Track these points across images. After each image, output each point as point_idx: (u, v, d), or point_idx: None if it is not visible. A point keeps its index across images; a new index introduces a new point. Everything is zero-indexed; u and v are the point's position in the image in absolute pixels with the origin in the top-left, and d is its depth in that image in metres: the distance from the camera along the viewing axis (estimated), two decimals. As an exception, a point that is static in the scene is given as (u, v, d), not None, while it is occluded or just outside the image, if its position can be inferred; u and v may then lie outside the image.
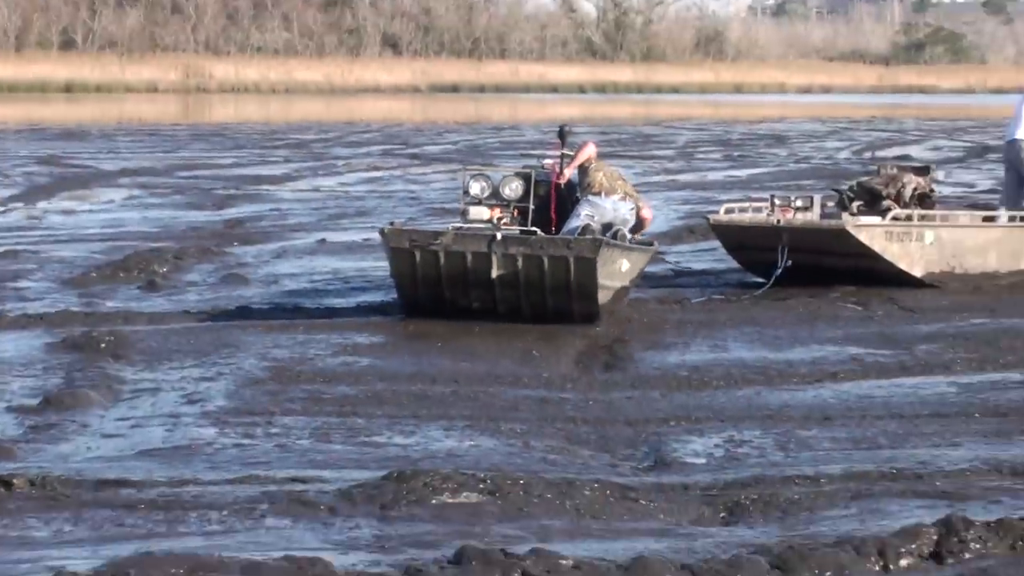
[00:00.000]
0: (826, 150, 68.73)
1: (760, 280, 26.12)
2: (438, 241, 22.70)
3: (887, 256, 26.26)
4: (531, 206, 23.87)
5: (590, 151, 24.50)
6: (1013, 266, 27.32)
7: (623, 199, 24.12)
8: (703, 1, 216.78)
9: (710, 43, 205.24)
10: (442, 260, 22.52)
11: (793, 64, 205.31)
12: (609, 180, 24.31)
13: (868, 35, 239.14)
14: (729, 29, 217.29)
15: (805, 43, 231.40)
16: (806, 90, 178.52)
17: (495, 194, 23.88)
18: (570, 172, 24.25)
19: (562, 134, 24.99)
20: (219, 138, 74.20)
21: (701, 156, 64.92)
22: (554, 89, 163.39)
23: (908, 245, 26.54)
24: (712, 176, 53.42)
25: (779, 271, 25.90)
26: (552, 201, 24.13)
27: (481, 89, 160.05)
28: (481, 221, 23.26)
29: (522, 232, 22.79)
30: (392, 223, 24.59)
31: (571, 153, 24.46)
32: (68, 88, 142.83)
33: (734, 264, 27.28)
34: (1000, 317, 23.50)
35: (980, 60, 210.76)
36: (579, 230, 23.19)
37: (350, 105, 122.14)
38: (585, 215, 23.60)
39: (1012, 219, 27.87)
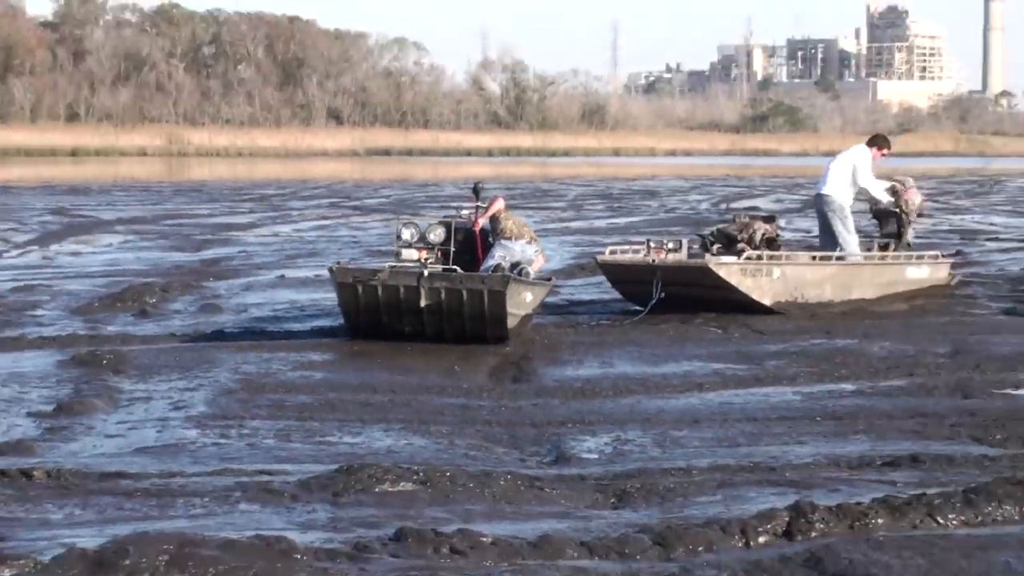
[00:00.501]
0: (689, 202, 68.78)
1: (638, 308, 26.10)
2: (376, 277, 22.68)
3: (742, 288, 26.27)
4: (452, 248, 23.91)
5: (499, 204, 24.50)
6: (844, 296, 27.46)
7: (528, 243, 24.14)
8: (587, 81, 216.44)
9: (593, 115, 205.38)
10: (380, 292, 22.47)
11: (661, 132, 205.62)
12: (517, 227, 24.31)
13: (722, 108, 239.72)
14: (609, 104, 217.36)
15: (671, 115, 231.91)
16: (672, 153, 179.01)
17: (422, 239, 23.92)
18: (483, 221, 24.22)
19: (475, 190, 25.02)
20: (196, 193, 74.14)
21: (588, 207, 64.92)
22: (468, 153, 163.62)
23: (759, 279, 26.55)
24: (597, 223, 53.39)
25: (654, 301, 25.90)
26: (478, 244, 24.14)
27: (408, 153, 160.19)
28: (411, 261, 23.27)
29: (444, 270, 22.79)
30: (338, 263, 24.57)
31: (483, 205, 24.46)
32: (74, 152, 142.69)
33: (617, 295, 27.23)
34: (835, 338, 23.49)
35: (813, 129, 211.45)
36: (492, 268, 23.20)
37: (302, 166, 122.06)
38: (499, 256, 23.61)
39: (839, 259, 27.97)
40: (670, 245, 27.75)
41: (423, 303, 22.29)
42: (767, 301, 26.44)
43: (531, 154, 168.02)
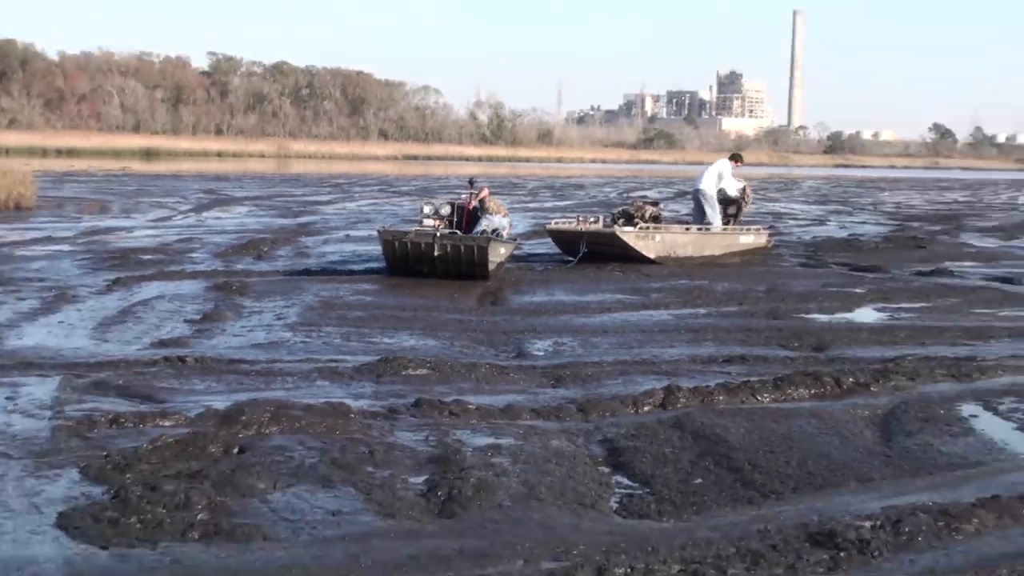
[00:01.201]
0: (604, 192, 68.34)
1: (571, 259, 25.77)
2: (407, 236, 22.40)
3: (636, 247, 26.00)
4: (454, 219, 23.61)
5: (485, 191, 24.25)
6: (701, 253, 27.15)
7: (503, 217, 23.89)
8: (541, 114, 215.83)
9: (545, 136, 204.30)
10: (409, 247, 22.17)
11: (587, 148, 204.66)
12: (496, 206, 24.08)
13: (625, 133, 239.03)
14: (555, 129, 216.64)
15: (593, 137, 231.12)
16: (593, 161, 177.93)
17: (436, 212, 23.66)
18: (475, 202, 23.93)
19: (471, 181, 24.79)
20: (295, 181, 73.55)
21: (540, 195, 64.53)
22: (465, 159, 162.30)
23: (647, 242, 26.27)
24: (546, 204, 52.96)
25: (580, 255, 25.61)
26: (465, 218, 23.84)
27: (428, 158, 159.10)
28: (429, 227, 22.95)
29: (450, 233, 22.48)
30: (383, 227, 24.42)
31: (475, 192, 24.18)
32: (219, 154, 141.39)
33: (558, 251, 26.84)
34: (694, 280, 23.12)
35: (682, 148, 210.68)
36: (479, 232, 22.95)
37: (362, 166, 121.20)
38: (484, 224, 23.35)
39: (699, 229, 27.74)
40: (591, 219, 27.53)
41: (436, 253, 22.03)
42: (652, 255, 26.15)
43: (505, 160, 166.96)
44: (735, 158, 30.18)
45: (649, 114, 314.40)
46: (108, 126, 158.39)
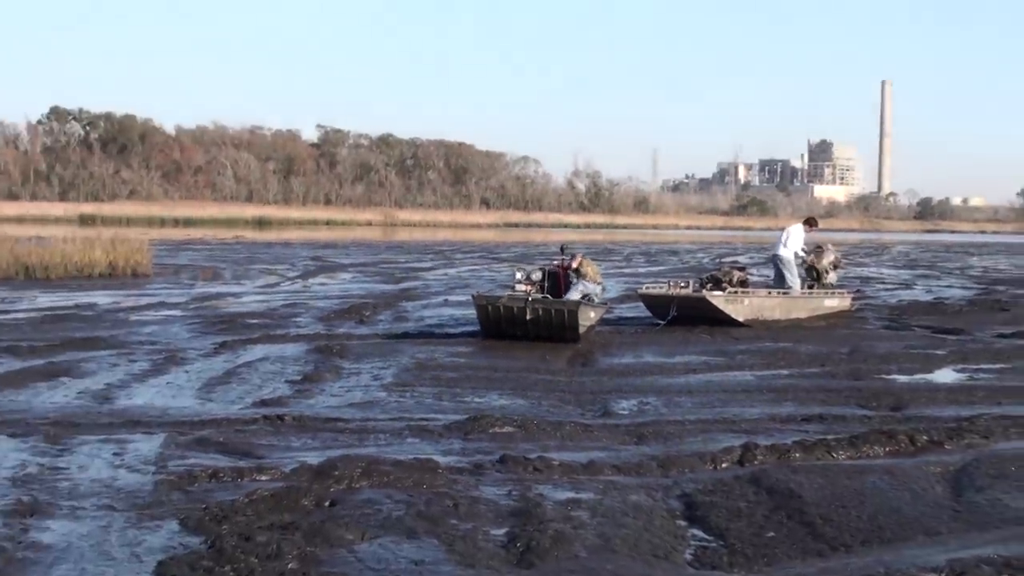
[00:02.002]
0: (697, 257, 68.22)
1: (660, 322, 25.81)
2: (499, 301, 22.61)
3: (726, 311, 26.04)
4: (546, 284, 23.69)
5: (579, 257, 24.35)
6: (787, 316, 27.18)
7: (596, 284, 23.99)
8: (636, 183, 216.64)
9: (641, 204, 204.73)
10: (502, 310, 22.37)
11: (682, 214, 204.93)
12: (592, 272, 24.18)
13: (718, 200, 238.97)
14: (650, 197, 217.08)
15: (688, 204, 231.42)
16: (687, 227, 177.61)
17: (528, 278, 23.74)
18: (572, 265, 24.03)
19: (562, 248, 25.01)
20: (399, 248, 74.06)
21: (635, 260, 64.57)
22: (564, 225, 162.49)
23: (736, 305, 26.32)
24: (640, 270, 52.98)
25: (670, 318, 25.65)
26: (559, 283, 23.94)
27: (528, 225, 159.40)
28: (521, 291, 23.05)
29: (542, 297, 22.63)
30: (476, 292, 24.65)
31: (567, 257, 24.32)
32: (328, 223, 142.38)
33: (649, 314, 26.85)
34: (778, 342, 23.08)
35: (774, 214, 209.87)
36: (571, 297, 23.11)
37: (465, 233, 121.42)
38: (578, 289, 23.47)
39: (781, 293, 27.78)
40: (682, 284, 27.67)
41: (528, 317, 22.18)
42: (740, 319, 26.18)
43: (603, 227, 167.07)
44: (809, 222, 30.14)
45: (742, 182, 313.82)
46: (222, 196, 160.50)
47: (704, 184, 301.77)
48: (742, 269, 28.71)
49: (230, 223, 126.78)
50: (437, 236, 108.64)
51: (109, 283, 35.68)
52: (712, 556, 8.92)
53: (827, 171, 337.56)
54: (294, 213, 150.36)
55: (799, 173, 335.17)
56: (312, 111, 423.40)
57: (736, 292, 26.70)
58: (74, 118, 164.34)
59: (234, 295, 32.75)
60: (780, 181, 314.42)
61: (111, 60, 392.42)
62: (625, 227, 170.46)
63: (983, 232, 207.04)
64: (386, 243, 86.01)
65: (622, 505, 10.09)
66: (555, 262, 25.01)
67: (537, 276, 23.98)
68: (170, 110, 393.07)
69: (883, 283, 45.80)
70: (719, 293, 26.47)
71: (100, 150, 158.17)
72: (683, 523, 9.82)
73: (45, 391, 15.59)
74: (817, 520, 9.80)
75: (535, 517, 9.51)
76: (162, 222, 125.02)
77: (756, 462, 11.90)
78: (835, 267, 30.13)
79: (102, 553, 8.51)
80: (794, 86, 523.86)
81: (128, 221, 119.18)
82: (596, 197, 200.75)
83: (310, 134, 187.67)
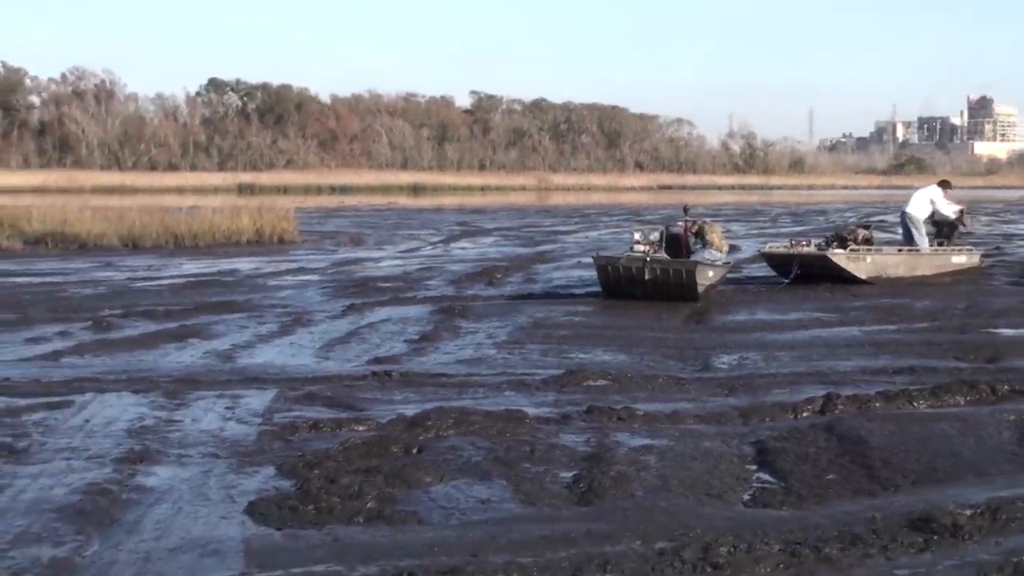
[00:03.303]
0: (845, 217, 67.27)
1: (784, 280, 26.18)
2: (619, 261, 23.16)
3: (848, 269, 26.30)
4: (663, 244, 24.03)
5: (704, 221, 24.85)
6: (911, 273, 27.28)
7: (718, 250, 24.31)
8: (792, 143, 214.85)
9: (796, 164, 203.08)
10: (621, 271, 22.93)
11: (839, 174, 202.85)
12: (717, 238, 24.53)
13: (875, 159, 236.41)
14: (806, 157, 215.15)
15: (845, 164, 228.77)
16: (844, 187, 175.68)
17: (646, 238, 24.03)
18: (692, 231, 24.38)
19: (685, 208, 25.35)
20: (547, 213, 74.73)
21: (781, 221, 64.41)
22: (719, 187, 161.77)
23: (859, 263, 26.57)
24: (783, 230, 52.65)
25: (792, 276, 26.05)
26: (683, 243, 24.28)
27: (682, 188, 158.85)
28: (640, 252, 23.46)
29: (661, 257, 23.13)
30: (597, 253, 25.19)
31: (690, 218, 24.70)
32: (482, 188, 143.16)
33: (772, 273, 27.20)
34: (897, 298, 23.25)
35: (932, 172, 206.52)
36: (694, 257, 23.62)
37: (618, 196, 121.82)
38: (699, 255, 23.85)
39: (909, 251, 27.98)
40: (804, 243, 28.00)
41: (647, 276, 22.66)
42: (864, 276, 26.41)
43: (757, 188, 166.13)
44: (944, 184, 30.23)
45: (900, 140, 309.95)
46: (378, 164, 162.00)
47: (861, 143, 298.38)
48: (867, 227, 28.89)
49: (385, 190, 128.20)
50: (591, 199, 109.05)
51: (255, 250, 36.73)
52: (768, 496, 9.45)
53: (987, 128, 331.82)
54: (448, 179, 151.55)
55: (959, 130, 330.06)
56: (465, 78, 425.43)
57: (858, 250, 26.94)
58: (231, 89, 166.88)
59: (373, 260, 33.66)
60: (939, 139, 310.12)
61: (267, 31, 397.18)
62: (780, 188, 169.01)
63: None
64: (535, 207, 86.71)
65: (693, 451, 10.65)
66: (679, 223, 25.41)
67: (655, 236, 24.27)
68: (325, 79, 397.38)
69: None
70: (840, 251, 26.72)
71: (257, 120, 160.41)
72: (751, 467, 10.35)
73: (173, 351, 16.48)
74: (877, 463, 10.29)
75: (604, 461, 10.13)
76: (319, 190, 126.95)
77: (837, 411, 12.36)
78: (964, 225, 30.15)
79: (199, 495, 9.27)
80: (952, 42, 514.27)
81: (285, 190, 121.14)
82: (751, 158, 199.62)
83: (463, 100, 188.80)
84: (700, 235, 24.49)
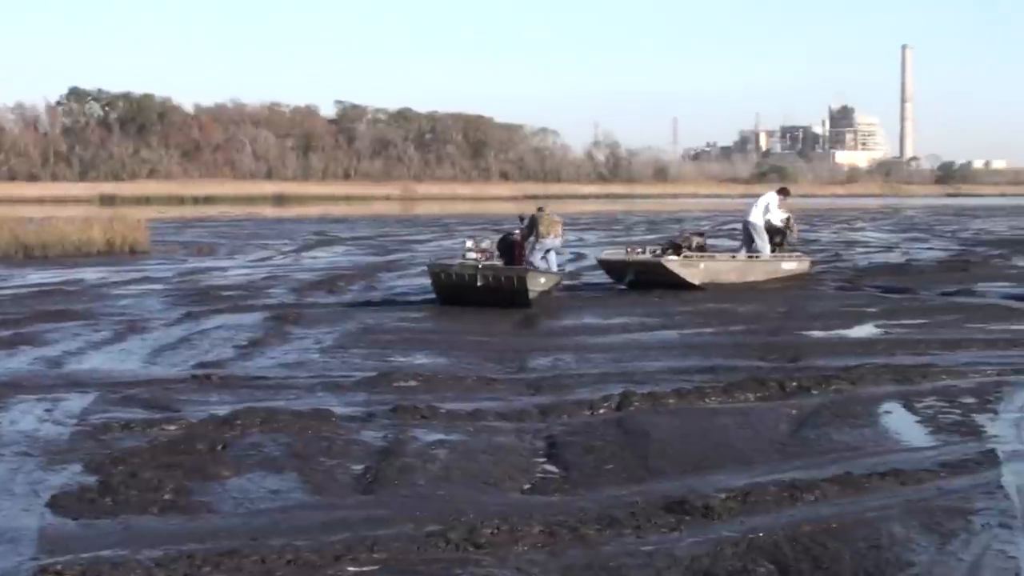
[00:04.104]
0: (700, 225, 67.20)
1: (621, 286, 26.99)
2: (451, 268, 23.81)
3: (681, 275, 27.14)
4: (496, 252, 24.74)
5: (540, 212, 25.71)
6: (743, 279, 28.15)
7: (556, 238, 25.30)
8: (656, 152, 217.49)
9: (660, 172, 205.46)
10: (454, 277, 23.57)
11: (702, 182, 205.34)
12: (547, 227, 25.41)
13: (739, 168, 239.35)
14: (670, 166, 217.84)
15: (708, 172, 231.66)
16: (707, 196, 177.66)
17: (477, 246, 24.64)
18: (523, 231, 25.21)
19: (521, 218, 26.31)
20: (408, 222, 75.36)
21: (635, 230, 65.35)
22: (583, 197, 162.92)
23: (692, 269, 27.42)
24: (633, 238, 53.03)
25: (625, 282, 26.90)
26: (518, 250, 25.04)
27: (547, 197, 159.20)
28: (472, 259, 24.08)
29: (491, 264, 23.82)
30: (431, 260, 25.87)
31: (525, 228, 25.44)
32: (347, 198, 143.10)
33: (609, 279, 27.96)
34: (722, 303, 24.03)
35: (794, 180, 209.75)
36: (532, 260, 24.48)
37: (482, 206, 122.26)
38: (539, 253, 24.83)
39: (748, 257, 28.95)
40: (639, 250, 28.83)
41: (479, 283, 23.29)
42: (696, 282, 27.23)
43: (622, 197, 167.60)
44: (783, 192, 31.31)
45: (763, 149, 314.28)
46: (242, 174, 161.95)
47: (726, 152, 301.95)
48: (701, 235, 29.89)
49: (249, 200, 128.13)
50: (455, 209, 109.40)
51: (104, 260, 36.86)
52: (545, 484, 10.12)
53: (848, 137, 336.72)
54: (313, 189, 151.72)
55: (820, 139, 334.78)
56: (330, 87, 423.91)
57: (691, 256, 27.79)
58: (93, 98, 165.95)
59: (220, 269, 33.99)
60: (801, 148, 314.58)
61: (129, 40, 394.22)
62: (644, 197, 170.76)
63: (1003, 195, 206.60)
64: (397, 217, 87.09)
65: (485, 445, 11.30)
66: (515, 232, 26.05)
67: (486, 244, 24.97)
68: (188, 88, 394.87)
69: (866, 247, 46.71)
70: (674, 258, 27.55)
71: (119, 130, 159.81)
72: (538, 459, 11.01)
73: (2, 358, 16.84)
74: (654, 454, 11.02)
75: (395, 454, 10.77)
76: (181, 200, 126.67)
77: (632, 408, 13.09)
78: (793, 232, 31.12)
79: (4, 490, 9.75)
80: (814, 52, 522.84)
81: (148, 200, 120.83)
82: (615, 167, 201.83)
83: (328, 110, 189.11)
84: (532, 226, 25.27)
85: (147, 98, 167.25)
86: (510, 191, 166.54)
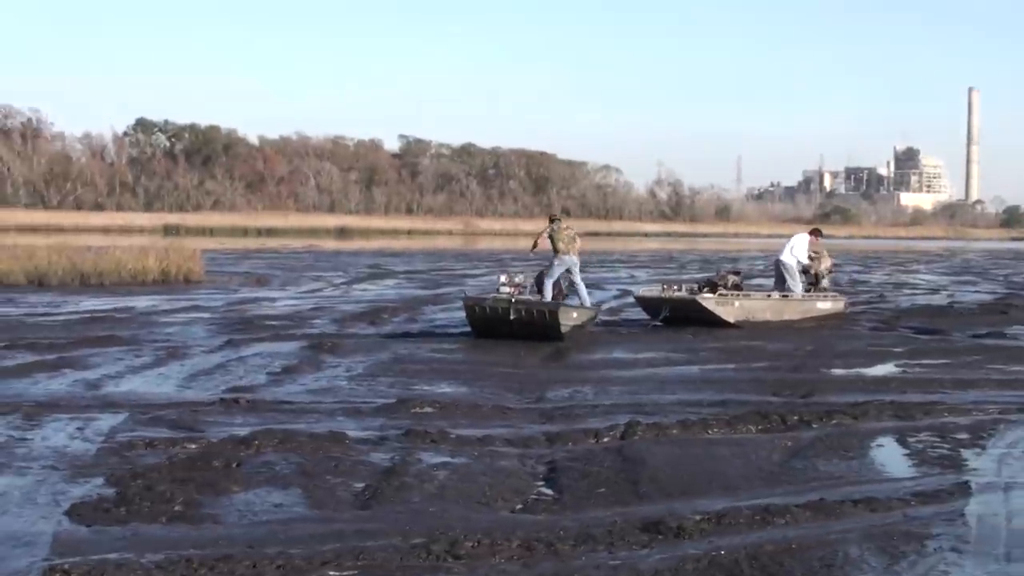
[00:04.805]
0: (755, 265, 68.58)
1: (655, 323, 27.57)
2: (485, 302, 24.45)
3: (716, 312, 27.65)
4: (526, 285, 25.43)
5: (556, 224, 26.75)
6: (778, 318, 28.65)
7: (572, 255, 26.27)
8: (719, 191, 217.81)
9: (722, 212, 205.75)
10: (488, 311, 24.19)
11: (764, 222, 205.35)
12: (565, 244, 26.26)
13: (802, 208, 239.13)
14: (733, 205, 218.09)
15: (771, 212, 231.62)
16: (768, 235, 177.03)
17: (512, 281, 25.25)
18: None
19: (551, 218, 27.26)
20: (464, 257, 75.62)
21: (690, 267, 65.88)
22: (645, 234, 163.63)
23: (727, 307, 27.92)
24: (683, 276, 53.30)
25: (660, 318, 27.47)
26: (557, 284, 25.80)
27: (608, 234, 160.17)
28: (506, 293, 24.70)
29: (524, 299, 24.46)
30: (465, 294, 26.51)
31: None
32: (409, 232, 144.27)
33: (645, 316, 28.52)
34: (753, 340, 24.50)
35: (857, 222, 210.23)
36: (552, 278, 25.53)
37: (544, 243, 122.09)
38: (557, 271, 25.97)
39: (781, 296, 29.46)
40: (675, 287, 29.37)
41: (512, 317, 23.91)
42: (731, 319, 27.75)
43: (683, 235, 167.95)
44: (815, 232, 31.86)
45: (827, 190, 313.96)
46: (305, 206, 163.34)
47: (789, 192, 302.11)
48: (737, 274, 30.32)
49: (312, 233, 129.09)
50: (516, 244, 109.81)
51: (158, 289, 37.68)
52: (537, 505, 10.72)
53: (913, 179, 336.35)
54: (375, 223, 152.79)
55: (885, 181, 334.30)
56: (394, 121, 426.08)
57: (727, 295, 28.31)
58: (159, 129, 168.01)
59: (270, 300, 34.72)
60: (865, 189, 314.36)
61: (196, 72, 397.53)
62: (706, 235, 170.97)
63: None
64: (455, 251, 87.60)
65: (486, 468, 11.92)
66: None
67: (520, 279, 25.62)
68: (254, 121, 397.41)
69: (913, 288, 47.01)
70: (710, 296, 28.09)
71: (184, 161, 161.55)
72: (537, 482, 11.60)
73: (44, 380, 17.59)
74: (645, 480, 11.60)
75: (397, 474, 11.41)
76: (245, 232, 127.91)
77: (636, 438, 13.66)
78: (829, 272, 31.59)
79: (28, 499, 10.45)
80: (880, 93, 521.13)
81: (211, 231, 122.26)
82: (677, 206, 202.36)
83: (392, 144, 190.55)
84: (552, 240, 25.97)
85: (213, 129, 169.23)
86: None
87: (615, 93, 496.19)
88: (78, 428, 13.65)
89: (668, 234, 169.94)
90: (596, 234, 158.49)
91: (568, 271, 26.19)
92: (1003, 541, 9.50)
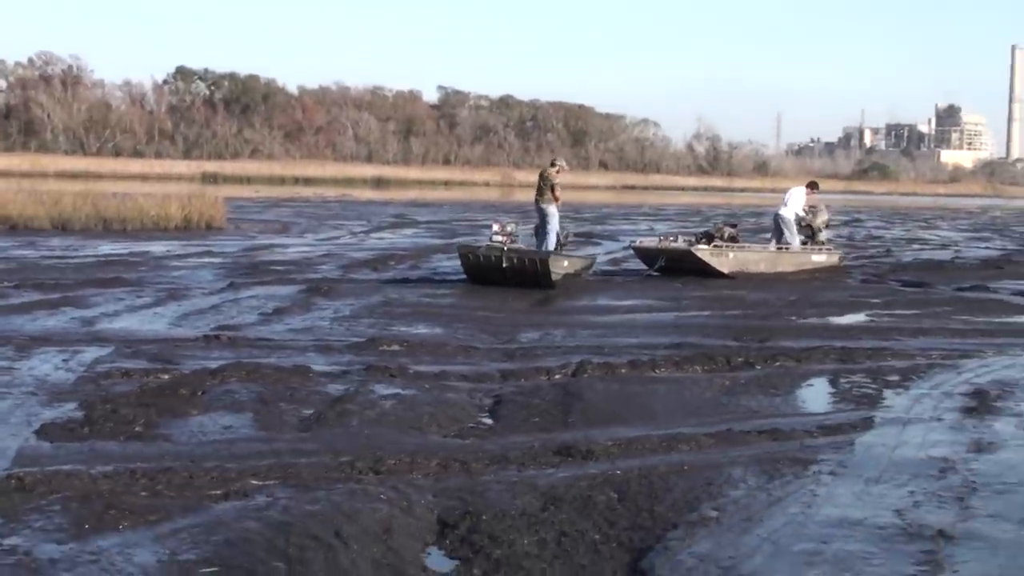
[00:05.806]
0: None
1: (654, 273, 28.41)
2: (480, 250, 25.33)
3: (711, 263, 28.48)
4: (518, 235, 26.30)
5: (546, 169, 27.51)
6: (772, 270, 29.45)
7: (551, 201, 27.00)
8: (757, 147, 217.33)
9: (760, 167, 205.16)
10: (481, 259, 25.08)
11: (801, 177, 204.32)
12: (552, 193, 27.05)
13: (841, 164, 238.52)
14: (771, 161, 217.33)
15: (810, 168, 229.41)
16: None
17: (503, 230, 25.99)
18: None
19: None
20: (493, 208, 75.48)
21: (713, 219, 65.63)
22: (681, 188, 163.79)
23: (721, 258, 28.73)
24: (701, 228, 53.96)
25: (656, 268, 28.34)
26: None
27: (645, 188, 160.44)
28: (499, 241, 25.55)
29: (516, 248, 25.33)
30: (460, 243, 27.37)
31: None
32: (446, 183, 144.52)
33: (643, 266, 29.33)
34: (737, 290, 25.24)
35: (896, 179, 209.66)
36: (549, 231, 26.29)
37: (580, 195, 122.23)
38: (552, 222, 26.49)
39: (777, 249, 30.27)
40: (671, 238, 30.22)
41: (504, 265, 24.78)
42: (725, 271, 28.56)
43: (720, 190, 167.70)
44: (811, 185, 32.64)
45: (867, 146, 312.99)
46: (343, 156, 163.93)
47: (829, 148, 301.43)
48: (734, 226, 31.07)
49: (349, 183, 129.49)
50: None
51: (178, 235, 38.65)
52: (468, 432, 11.62)
53: (954, 136, 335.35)
54: (412, 173, 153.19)
55: (926, 138, 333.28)
56: (433, 72, 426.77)
57: (721, 246, 29.11)
58: (199, 78, 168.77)
59: (283, 246, 35.63)
60: (906, 146, 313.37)
61: (236, 20, 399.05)
62: (743, 190, 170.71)
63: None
64: (487, 203, 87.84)
65: (432, 400, 12.83)
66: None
67: (512, 228, 26.43)
68: (293, 70, 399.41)
69: (922, 243, 47.51)
70: (704, 247, 28.91)
71: (224, 110, 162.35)
72: (479, 413, 12.52)
73: (43, 317, 18.56)
74: (577, 412, 12.51)
75: (344, 402, 12.36)
76: (282, 181, 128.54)
77: (585, 375, 14.57)
78: (826, 226, 32.30)
79: (2, 420, 11.44)
80: (922, 50, 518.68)
81: (249, 180, 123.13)
82: (715, 160, 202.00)
83: (431, 95, 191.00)
84: (539, 192, 26.74)
85: (252, 79, 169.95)
86: (609, 181, 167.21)
87: (655, 48, 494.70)
88: (64, 360, 14.61)
89: (705, 188, 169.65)
90: (633, 187, 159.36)
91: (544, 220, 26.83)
92: (880, 467, 10.38)
